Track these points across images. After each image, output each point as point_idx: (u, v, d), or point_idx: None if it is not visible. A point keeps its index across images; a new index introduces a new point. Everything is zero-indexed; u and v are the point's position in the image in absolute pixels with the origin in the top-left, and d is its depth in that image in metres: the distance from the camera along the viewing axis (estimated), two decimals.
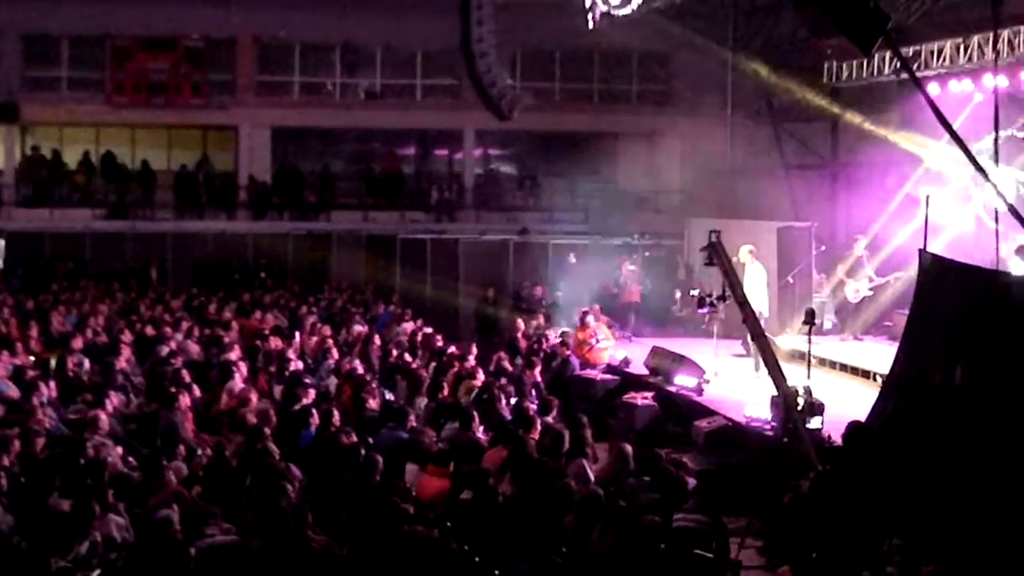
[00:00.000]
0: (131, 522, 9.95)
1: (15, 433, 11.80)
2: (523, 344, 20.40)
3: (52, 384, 14.92)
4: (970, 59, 20.71)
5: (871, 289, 22.08)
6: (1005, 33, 19.36)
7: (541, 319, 22.39)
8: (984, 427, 11.63)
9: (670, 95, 35.88)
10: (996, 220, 15.45)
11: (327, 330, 20.82)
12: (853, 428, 11.73)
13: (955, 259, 14.71)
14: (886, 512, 10.59)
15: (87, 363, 17.07)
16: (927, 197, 15.29)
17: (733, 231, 19.67)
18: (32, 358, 17.73)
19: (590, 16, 25.05)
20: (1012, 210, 11.99)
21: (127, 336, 19.32)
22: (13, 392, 14.54)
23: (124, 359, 17.34)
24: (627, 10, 23.67)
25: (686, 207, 31.94)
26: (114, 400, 14.38)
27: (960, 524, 10.80)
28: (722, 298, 16.83)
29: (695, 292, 19.39)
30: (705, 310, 18.64)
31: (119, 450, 12.24)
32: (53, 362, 17.41)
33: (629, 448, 12.16)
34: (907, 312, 15.02)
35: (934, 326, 13.28)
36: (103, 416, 12.95)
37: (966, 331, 12.46)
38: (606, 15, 24.52)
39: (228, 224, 34.29)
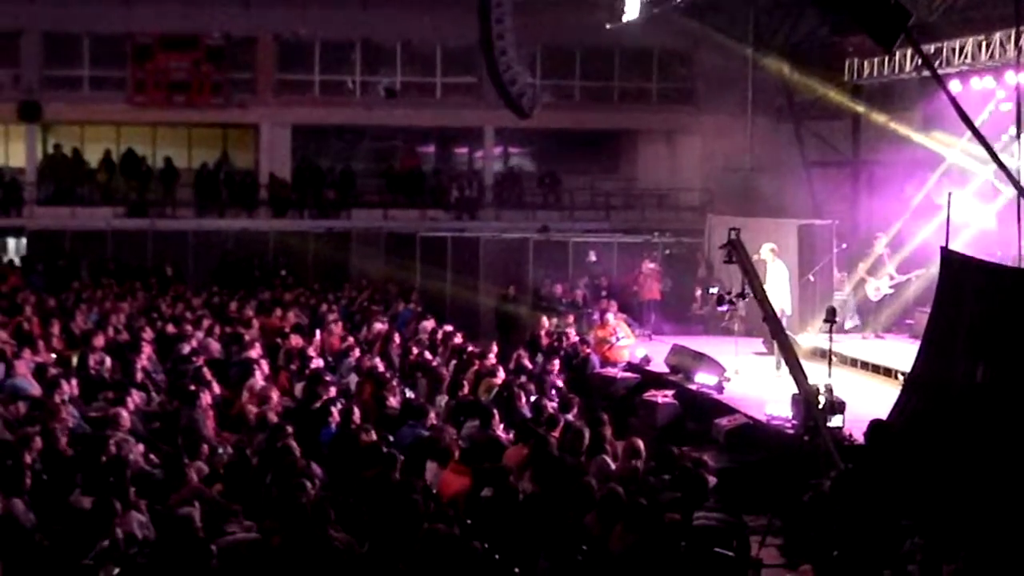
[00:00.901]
0: (152, 519, 9.98)
1: (37, 431, 11.87)
2: (545, 342, 20.37)
3: (74, 382, 14.94)
4: (992, 56, 20.60)
5: (892, 287, 22.01)
6: None
7: (571, 318, 22.30)
8: (1007, 425, 11.58)
9: (691, 93, 35.77)
10: (1019, 217, 15.36)
11: (338, 328, 20.86)
12: (874, 426, 11.66)
13: (977, 257, 14.65)
14: (908, 511, 10.55)
15: (108, 361, 17.10)
16: (949, 195, 15.21)
17: (753, 229, 19.61)
18: (54, 356, 17.77)
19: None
20: None
21: (148, 334, 19.36)
22: (35, 390, 14.62)
23: (145, 357, 17.38)
24: None
25: (707, 205, 31.94)
26: (135, 398, 14.43)
27: (982, 523, 10.75)
28: (741, 295, 16.78)
29: (714, 290, 19.34)
30: (724, 308, 18.59)
31: (141, 448, 12.29)
32: (75, 360, 17.46)
33: (640, 442, 12.14)
34: (929, 310, 14.97)
35: (956, 324, 13.23)
36: (125, 414, 12.99)
37: (988, 329, 12.41)
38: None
39: (249, 222, 34.32)
